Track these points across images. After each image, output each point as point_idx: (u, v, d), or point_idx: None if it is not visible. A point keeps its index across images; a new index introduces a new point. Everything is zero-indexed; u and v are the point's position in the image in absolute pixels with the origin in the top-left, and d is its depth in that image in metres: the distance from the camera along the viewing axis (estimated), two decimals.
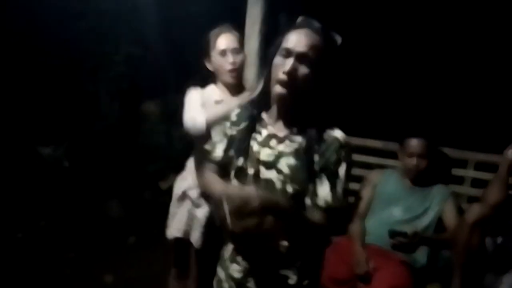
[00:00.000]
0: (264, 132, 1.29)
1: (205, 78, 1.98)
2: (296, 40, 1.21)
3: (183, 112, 1.89)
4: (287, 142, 1.25)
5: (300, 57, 1.19)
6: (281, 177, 1.23)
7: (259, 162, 1.26)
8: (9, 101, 3.81)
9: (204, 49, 1.88)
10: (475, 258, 1.90)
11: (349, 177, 1.24)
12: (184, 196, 1.98)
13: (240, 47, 1.90)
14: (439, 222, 2.20)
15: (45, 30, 3.90)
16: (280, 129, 1.28)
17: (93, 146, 3.94)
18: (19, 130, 3.82)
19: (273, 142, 1.27)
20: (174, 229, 2.00)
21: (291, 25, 1.28)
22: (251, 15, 2.66)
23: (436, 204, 2.21)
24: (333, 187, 1.20)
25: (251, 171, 1.28)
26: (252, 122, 1.32)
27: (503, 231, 2.05)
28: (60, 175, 3.76)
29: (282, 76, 1.19)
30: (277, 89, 1.21)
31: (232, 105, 1.76)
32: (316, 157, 1.21)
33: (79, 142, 3.94)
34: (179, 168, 2.11)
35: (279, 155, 1.24)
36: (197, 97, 1.89)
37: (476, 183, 2.34)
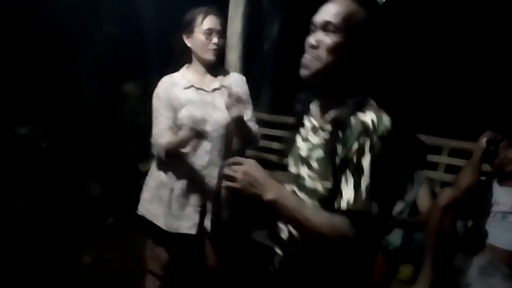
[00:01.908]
0: (308, 124, 1.17)
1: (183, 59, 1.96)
2: (322, 10, 1.06)
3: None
4: (320, 132, 1.10)
5: (325, 27, 1.04)
6: (311, 173, 1.08)
7: (300, 158, 1.13)
8: None
9: (186, 24, 1.84)
10: (446, 240, 1.97)
11: (378, 174, 0.97)
12: None
13: (223, 31, 1.89)
14: (413, 205, 2.27)
15: (24, 7, 3.78)
16: (319, 118, 1.14)
17: (71, 126, 3.87)
18: None
19: (310, 134, 1.14)
20: None
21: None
22: None
23: (411, 189, 2.27)
24: (356, 186, 0.97)
25: (293, 169, 1.16)
26: (300, 115, 1.20)
27: (474, 215, 2.12)
28: (37, 156, 3.69)
29: (305, 53, 1.06)
30: (301, 70, 1.07)
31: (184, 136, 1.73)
32: (339, 148, 1.01)
33: (57, 122, 3.87)
34: None
35: (312, 148, 1.10)
36: (161, 105, 1.86)
37: (450, 169, 2.41)
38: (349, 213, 0.96)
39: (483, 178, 2.15)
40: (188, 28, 1.83)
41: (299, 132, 1.18)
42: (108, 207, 3.50)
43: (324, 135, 1.07)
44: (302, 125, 1.18)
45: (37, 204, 3.40)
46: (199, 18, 1.82)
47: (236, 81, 1.94)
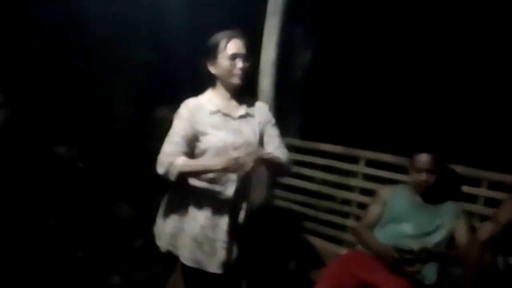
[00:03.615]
0: None
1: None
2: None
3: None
4: None
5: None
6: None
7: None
8: (27, 100, 3.89)
9: (209, 50, 1.76)
10: (485, 276, 1.87)
11: None
12: None
13: (248, 54, 1.78)
14: (450, 239, 2.18)
15: (66, 34, 3.99)
16: None
17: (106, 148, 3.99)
18: (35, 129, 3.89)
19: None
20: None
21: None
22: (269, 26, 2.70)
23: (448, 222, 2.19)
24: None
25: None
26: None
27: None
28: (73, 175, 3.81)
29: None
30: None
31: (214, 164, 1.65)
32: None
33: (94, 144, 4.00)
34: None
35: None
36: (183, 126, 1.75)
37: (489, 202, 2.31)
38: None
39: None
40: (211, 54, 1.75)
41: None
42: (138, 229, 3.54)
43: None
44: None
45: (70, 222, 3.48)
46: (222, 43, 1.73)
47: (259, 109, 1.90)
